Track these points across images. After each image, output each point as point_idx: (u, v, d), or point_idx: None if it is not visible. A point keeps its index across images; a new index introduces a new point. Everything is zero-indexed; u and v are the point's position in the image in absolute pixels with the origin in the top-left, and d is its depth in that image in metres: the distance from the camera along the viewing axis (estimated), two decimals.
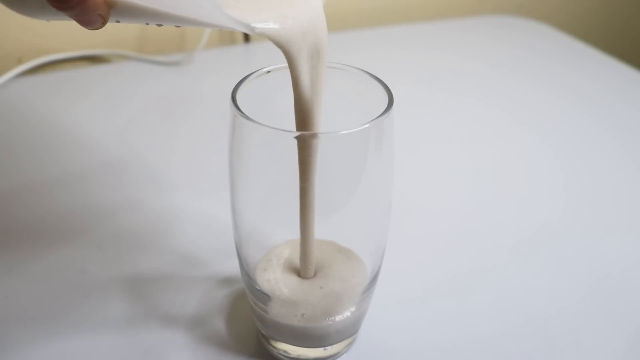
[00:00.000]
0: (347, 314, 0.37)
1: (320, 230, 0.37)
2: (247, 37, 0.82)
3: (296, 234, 0.37)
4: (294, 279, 0.38)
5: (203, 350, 0.39)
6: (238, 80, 0.35)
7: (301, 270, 0.38)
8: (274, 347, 0.39)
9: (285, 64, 0.33)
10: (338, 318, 0.37)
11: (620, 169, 0.60)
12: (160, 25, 0.30)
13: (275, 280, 0.37)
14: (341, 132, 0.32)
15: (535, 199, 0.55)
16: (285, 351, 0.39)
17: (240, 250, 0.37)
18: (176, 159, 0.58)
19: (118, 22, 0.30)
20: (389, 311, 0.42)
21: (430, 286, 0.45)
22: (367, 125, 0.33)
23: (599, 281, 0.46)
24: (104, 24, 0.28)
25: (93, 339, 0.40)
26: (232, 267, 0.45)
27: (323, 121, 0.34)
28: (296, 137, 0.33)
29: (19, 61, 0.72)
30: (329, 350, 0.39)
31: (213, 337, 0.40)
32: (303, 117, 0.34)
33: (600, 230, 0.51)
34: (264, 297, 0.37)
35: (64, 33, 0.73)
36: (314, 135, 0.34)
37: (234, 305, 0.42)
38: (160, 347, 0.39)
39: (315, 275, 0.38)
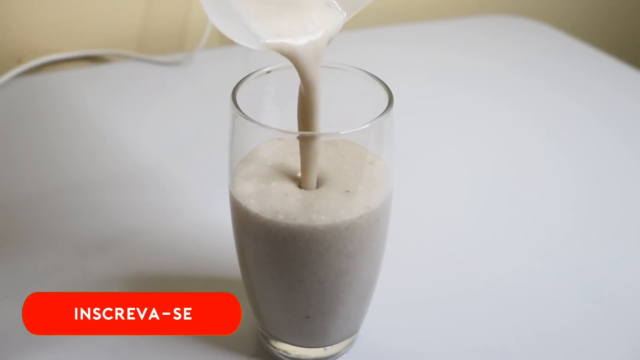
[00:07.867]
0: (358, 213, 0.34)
1: None
2: None
3: None
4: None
5: (203, 350, 0.39)
6: (238, 80, 0.35)
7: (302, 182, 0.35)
8: (274, 347, 0.39)
9: (285, 64, 0.33)
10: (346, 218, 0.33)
11: (623, 166, 0.60)
12: None
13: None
14: (341, 132, 0.32)
15: (543, 198, 0.55)
16: (285, 351, 0.39)
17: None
18: (176, 159, 0.58)
19: None
20: (389, 311, 0.42)
21: (432, 288, 0.45)
22: (367, 125, 0.33)
23: (607, 291, 0.45)
24: None
25: (93, 339, 0.40)
26: (232, 267, 0.44)
27: (324, 121, 0.34)
28: (297, 138, 0.33)
29: (19, 61, 0.72)
30: (329, 350, 0.39)
31: (213, 337, 0.40)
32: (308, 114, 0.34)
33: (610, 238, 0.51)
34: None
35: (64, 33, 0.73)
36: (314, 136, 0.34)
37: None
38: (160, 347, 0.39)
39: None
